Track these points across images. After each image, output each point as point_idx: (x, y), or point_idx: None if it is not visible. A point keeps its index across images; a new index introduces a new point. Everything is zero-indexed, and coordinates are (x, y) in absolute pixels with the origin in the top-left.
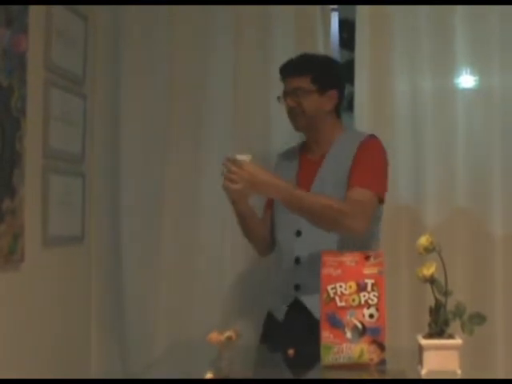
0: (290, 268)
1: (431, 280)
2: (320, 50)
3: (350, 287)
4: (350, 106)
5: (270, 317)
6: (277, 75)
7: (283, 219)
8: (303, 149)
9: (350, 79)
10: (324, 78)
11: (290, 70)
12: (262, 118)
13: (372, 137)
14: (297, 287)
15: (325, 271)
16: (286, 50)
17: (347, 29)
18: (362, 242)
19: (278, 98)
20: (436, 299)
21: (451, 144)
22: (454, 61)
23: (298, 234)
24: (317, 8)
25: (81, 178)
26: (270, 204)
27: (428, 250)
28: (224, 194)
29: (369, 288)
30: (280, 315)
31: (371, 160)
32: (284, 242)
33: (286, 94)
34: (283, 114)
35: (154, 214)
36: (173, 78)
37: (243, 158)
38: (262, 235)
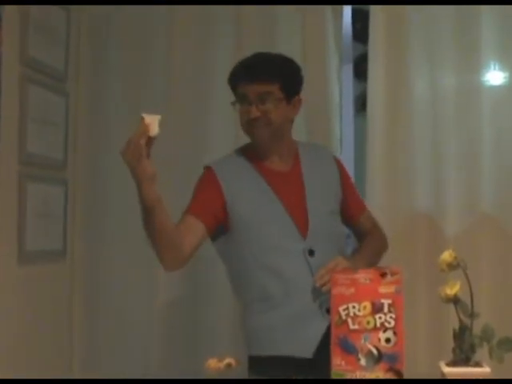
0: (315, 292)
1: (455, 300)
2: (330, 42)
3: (365, 308)
4: (364, 106)
5: (285, 363)
6: None
7: (280, 238)
8: (255, 158)
9: (363, 75)
10: (293, 85)
11: (255, 72)
12: None
13: (335, 156)
14: (328, 311)
15: (336, 290)
16: (291, 43)
17: (361, 19)
18: None
19: (233, 103)
20: (461, 322)
21: (475, 147)
22: (479, 55)
23: (311, 253)
24: None
25: (62, 185)
26: (207, 214)
27: (452, 266)
28: None
29: (385, 309)
30: (308, 351)
31: (351, 181)
32: (290, 264)
33: (247, 99)
34: None
35: None
36: (170, 77)
37: (153, 117)
38: (178, 241)
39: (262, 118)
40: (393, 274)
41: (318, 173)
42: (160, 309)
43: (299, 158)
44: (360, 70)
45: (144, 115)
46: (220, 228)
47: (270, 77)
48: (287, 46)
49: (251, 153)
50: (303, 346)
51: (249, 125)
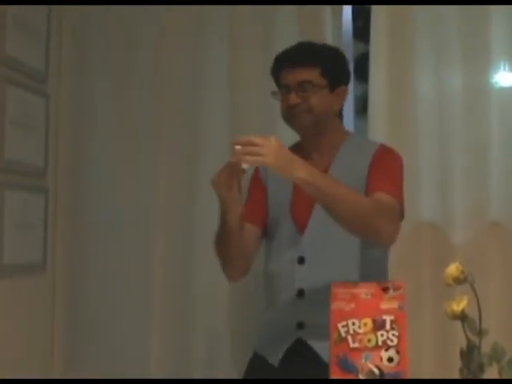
0: (291, 302)
1: (462, 317)
2: (328, 41)
3: (365, 325)
4: (365, 108)
5: (258, 360)
6: None
7: (281, 243)
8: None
9: (365, 76)
10: (334, 72)
11: (294, 59)
12: (264, 120)
13: (386, 147)
14: (300, 325)
15: (335, 306)
16: (287, 41)
17: (362, 16)
18: (378, 270)
19: (274, 93)
20: (468, 340)
21: (484, 151)
22: (488, 55)
23: (301, 260)
24: None
25: (43, 194)
26: (260, 218)
27: (459, 280)
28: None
29: (387, 326)
30: (275, 359)
31: (391, 169)
32: (281, 271)
33: (288, 88)
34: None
35: (130, 237)
36: (160, 78)
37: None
38: (246, 253)
39: (301, 104)
40: (395, 289)
41: (343, 175)
42: (145, 321)
43: (337, 155)
44: (361, 70)
45: (237, 147)
46: None
47: (309, 61)
48: (283, 45)
49: (295, 151)
50: (272, 354)
51: (288, 113)
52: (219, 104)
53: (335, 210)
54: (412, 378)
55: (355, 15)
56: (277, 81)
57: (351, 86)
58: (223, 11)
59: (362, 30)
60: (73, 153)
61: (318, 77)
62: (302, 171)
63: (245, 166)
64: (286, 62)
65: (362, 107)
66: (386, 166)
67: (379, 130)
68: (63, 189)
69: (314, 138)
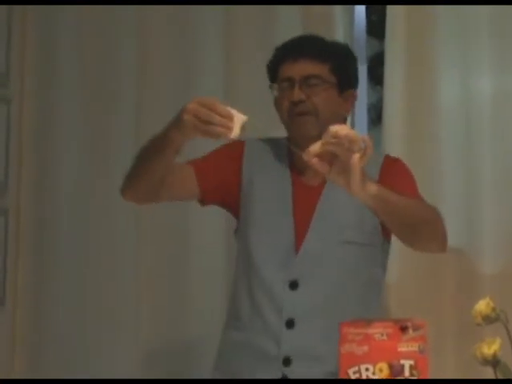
0: (277, 332)
1: (494, 361)
2: (339, 37)
3: (381, 370)
4: (379, 117)
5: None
6: None
7: (268, 254)
8: (294, 166)
9: (379, 79)
10: (345, 71)
11: (301, 49)
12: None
13: (392, 157)
14: (286, 362)
15: (345, 348)
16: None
17: (377, 10)
18: (378, 294)
19: (271, 86)
20: None
21: None
22: None
23: (294, 286)
24: None
25: (2, 215)
26: (207, 182)
27: (489, 319)
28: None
29: (406, 372)
30: None
31: (410, 178)
32: (269, 293)
33: (291, 81)
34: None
35: (102, 262)
36: (141, 81)
37: (240, 117)
38: (160, 185)
39: (306, 103)
40: (416, 329)
41: (345, 191)
42: (115, 359)
43: None
44: (376, 72)
45: (233, 110)
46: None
47: (319, 54)
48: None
49: (291, 156)
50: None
51: (291, 114)
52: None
53: (403, 219)
54: None
55: (369, 8)
56: (274, 75)
57: (364, 92)
58: (218, 10)
59: (376, 26)
60: (37, 167)
61: (327, 72)
62: (372, 186)
63: (233, 134)
64: (289, 52)
65: (376, 116)
66: (404, 176)
67: (395, 144)
68: (26, 209)
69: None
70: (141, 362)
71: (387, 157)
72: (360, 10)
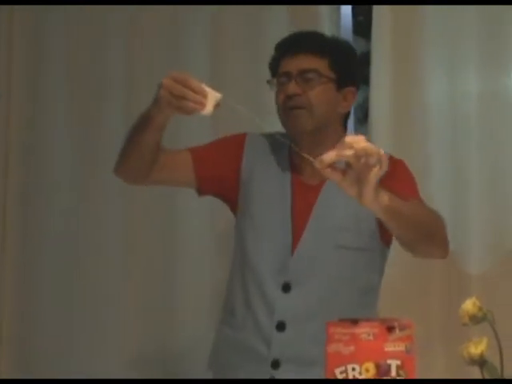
0: (268, 334)
1: (481, 361)
2: None
3: (367, 370)
4: (366, 117)
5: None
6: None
7: (264, 252)
8: (294, 163)
9: (366, 79)
10: (345, 67)
11: (299, 44)
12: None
13: (396, 160)
14: (275, 364)
15: (331, 348)
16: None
17: (363, 10)
18: (373, 300)
19: (270, 81)
20: None
21: (504, 171)
22: (510, 55)
23: (286, 288)
24: None
25: None
26: (212, 174)
27: (476, 319)
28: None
29: (393, 372)
30: None
31: (410, 176)
32: (262, 293)
33: (288, 76)
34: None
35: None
36: (131, 83)
37: (214, 95)
38: (152, 162)
39: (301, 97)
40: (402, 329)
41: (343, 194)
42: (103, 361)
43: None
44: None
45: (207, 88)
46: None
47: (317, 49)
48: (272, 41)
49: (292, 155)
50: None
51: (285, 108)
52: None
53: (411, 227)
54: None
55: (355, 8)
56: (275, 70)
57: None
58: (205, 9)
59: (363, 25)
60: (25, 168)
61: (326, 67)
62: (384, 197)
63: (205, 111)
64: (289, 47)
65: (362, 115)
66: (406, 178)
67: (382, 143)
68: (13, 208)
69: (309, 147)
70: (129, 364)
71: (390, 158)
72: (346, 10)
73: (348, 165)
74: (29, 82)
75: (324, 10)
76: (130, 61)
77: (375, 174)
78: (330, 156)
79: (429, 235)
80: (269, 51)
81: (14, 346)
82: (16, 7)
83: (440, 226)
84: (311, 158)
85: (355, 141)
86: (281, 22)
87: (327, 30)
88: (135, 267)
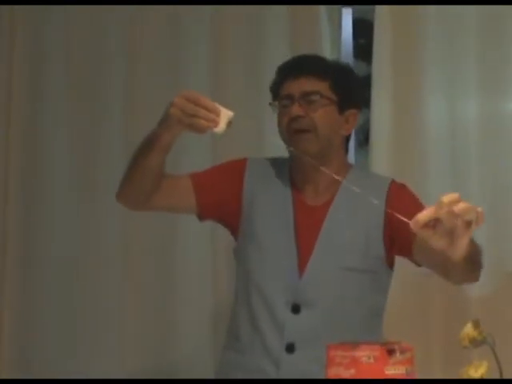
0: (277, 356)
1: None
2: None
3: None
4: (366, 139)
5: None
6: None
7: (270, 274)
8: (295, 184)
9: (367, 101)
10: (346, 90)
11: (301, 68)
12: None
13: (401, 184)
14: None
15: (332, 372)
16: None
17: (365, 32)
18: (379, 321)
19: (272, 103)
20: None
21: (504, 193)
22: (510, 78)
23: (296, 309)
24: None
25: None
26: (206, 195)
27: (476, 342)
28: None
29: None
30: None
31: (421, 207)
32: (270, 314)
33: (291, 98)
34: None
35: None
36: (131, 91)
37: (226, 113)
38: (153, 186)
39: (306, 120)
40: (403, 352)
41: (351, 213)
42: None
43: (337, 192)
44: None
45: (219, 106)
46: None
47: (318, 72)
48: (273, 41)
49: (292, 175)
50: None
51: (290, 130)
52: None
53: (470, 262)
54: None
55: (356, 31)
56: (277, 93)
57: None
58: (205, 11)
59: (364, 49)
60: (26, 171)
61: (327, 89)
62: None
63: (218, 129)
64: (291, 70)
65: (363, 138)
66: (415, 202)
67: (382, 165)
68: (14, 209)
69: (312, 169)
70: (129, 364)
71: (394, 182)
72: (347, 32)
73: (438, 220)
74: (29, 82)
75: (325, 32)
76: (130, 61)
77: (472, 229)
78: (425, 216)
79: (478, 264)
80: (269, 51)
81: (14, 346)
82: (16, 7)
83: (481, 253)
84: (375, 201)
85: (453, 201)
86: (281, 43)
87: (328, 53)
88: (135, 271)
